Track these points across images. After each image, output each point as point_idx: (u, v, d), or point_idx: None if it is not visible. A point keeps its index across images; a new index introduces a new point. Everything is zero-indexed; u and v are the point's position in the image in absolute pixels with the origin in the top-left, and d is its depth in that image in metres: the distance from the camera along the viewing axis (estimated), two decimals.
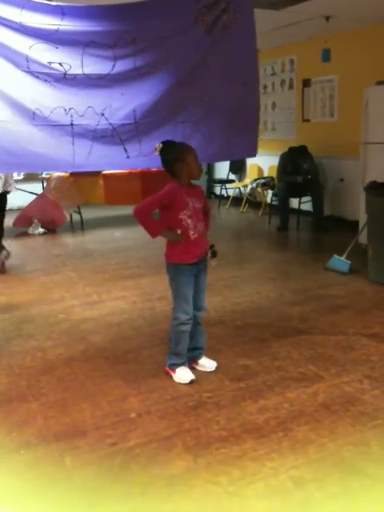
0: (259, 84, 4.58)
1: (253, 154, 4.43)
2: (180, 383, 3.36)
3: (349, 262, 5.67)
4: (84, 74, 3.65)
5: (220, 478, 2.46)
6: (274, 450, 2.65)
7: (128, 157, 3.84)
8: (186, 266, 3.32)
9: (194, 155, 3.24)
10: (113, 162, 3.85)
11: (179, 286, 3.35)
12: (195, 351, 3.55)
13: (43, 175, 9.10)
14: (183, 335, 3.39)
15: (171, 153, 3.23)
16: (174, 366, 3.43)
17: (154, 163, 3.32)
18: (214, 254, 3.39)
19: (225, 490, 2.38)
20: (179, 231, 3.26)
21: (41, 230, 8.38)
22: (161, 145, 3.25)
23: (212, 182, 11.37)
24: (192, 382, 3.35)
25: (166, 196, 3.24)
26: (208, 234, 3.50)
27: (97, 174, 8.33)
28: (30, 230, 8.37)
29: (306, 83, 8.91)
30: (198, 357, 3.57)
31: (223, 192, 10.84)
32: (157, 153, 3.26)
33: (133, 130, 3.81)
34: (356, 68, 7.74)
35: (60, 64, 3.59)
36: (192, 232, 3.28)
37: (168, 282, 3.42)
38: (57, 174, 8.50)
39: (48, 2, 3.68)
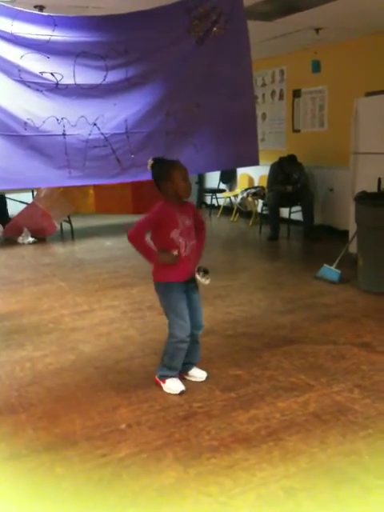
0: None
1: (254, 163, 4.43)
2: (170, 394, 3.35)
3: (339, 271, 5.68)
4: (76, 84, 3.66)
5: (211, 488, 2.44)
6: (264, 459, 2.64)
7: (122, 168, 3.83)
8: (176, 284, 3.27)
9: (182, 173, 3.16)
10: (107, 173, 3.83)
11: (171, 302, 3.29)
12: (187, 365, 3.51)
13: None
14: (180, 352, 3.34)
15: (158, 170, 3.19)
16: (164, 377, 3.41)
17: (149, 175, 3.30)
18: (206, 272, 3.33)
19: (216, 500, 2.37)
20: (175, 252, 3.20)
21: (31, 239, 8.35)
22: (152, 161, 3.21)
23: (203, 191, 11.40)
24: (182, 393, 3.33)
25: (155, 216, 3.20)
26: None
27: None
28: (20, 239, 8.34)
29: (297, 94, 8.97)
30: (189, 368, 3.54)
31: (214, 201, 10.88)
32: (149, 168, 3.23)
33: (124, 140, 3.81)
34: (346, 79, 7.81)
35: (52, 74, 3.59)
36: (184, 250, 3.23)
37: (159, 303, 3.38)
38: None
39: (40, 13, 3.70)
